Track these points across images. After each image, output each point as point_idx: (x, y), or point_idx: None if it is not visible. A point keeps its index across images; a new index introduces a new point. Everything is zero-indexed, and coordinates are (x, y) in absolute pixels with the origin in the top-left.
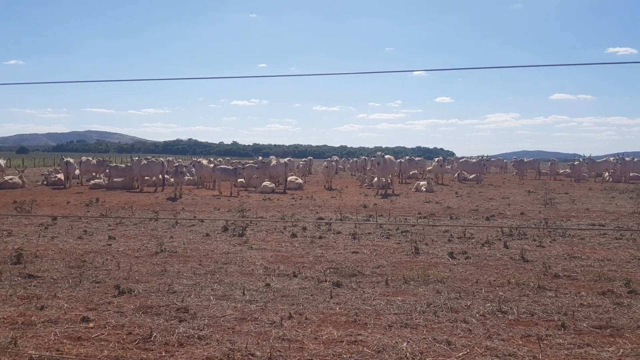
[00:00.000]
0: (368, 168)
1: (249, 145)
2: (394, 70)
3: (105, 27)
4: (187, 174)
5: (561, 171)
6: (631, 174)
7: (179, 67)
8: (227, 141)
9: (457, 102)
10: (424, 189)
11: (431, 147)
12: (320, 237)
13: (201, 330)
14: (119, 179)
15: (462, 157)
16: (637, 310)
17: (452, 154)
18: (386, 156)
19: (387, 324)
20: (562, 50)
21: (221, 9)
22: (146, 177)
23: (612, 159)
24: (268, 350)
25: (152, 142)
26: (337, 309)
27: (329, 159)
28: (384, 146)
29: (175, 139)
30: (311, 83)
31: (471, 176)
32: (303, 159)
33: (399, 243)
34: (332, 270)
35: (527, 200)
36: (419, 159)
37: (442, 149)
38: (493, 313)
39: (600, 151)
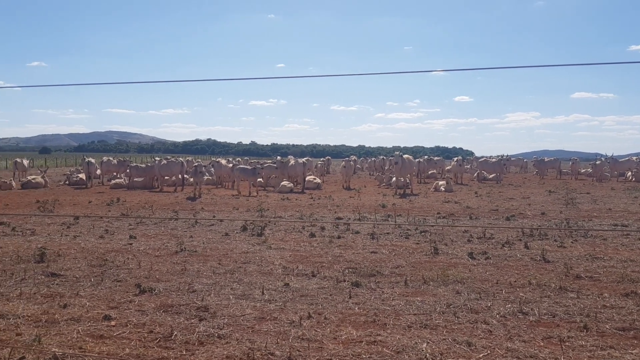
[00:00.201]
0: (386, 168)
1: (267, 145)
2: (412, 70)
3: (125, 28)
4: (207, 174)
5: (582, 171)
6: None
7: (197, 68)
8: (246, 141)
9: (477, 101)
10: (443, 189)
11: (450, 146)
12: (339, 237)
13: (221, 329)
14: (140, 179)
15: (482, 157)
16: None
17: (472, 153)
18: (404, 156)
19: (406, 324)
20: (584, 48)
21: (240, 9)
22: (166, 177)
23: (635, 158)
24: (287, 350)
25: (172, 142)
26: (356, 309)
27: (347, 158)
28: (402, 146)
29: (194, 139)
30: (329, 83)
31: (491, 176)
32: (321, 159)
33: (418, 243)
34: (350, 270)
35: (548, 200)
36: (438, 158)
37: (461, 149)
38: (514, 314)
39: (623, 150)
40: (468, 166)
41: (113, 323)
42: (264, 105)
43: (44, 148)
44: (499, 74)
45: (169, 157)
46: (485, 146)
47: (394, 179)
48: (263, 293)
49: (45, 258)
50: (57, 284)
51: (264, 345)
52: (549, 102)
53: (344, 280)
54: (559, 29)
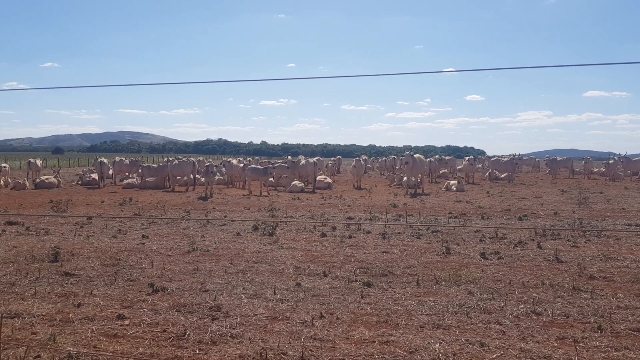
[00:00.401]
0: (397, 167)
1: (277, 144)
2: (422, 71)
3: (135, 29)
4: (218, 174)
5: (595, 170)
6: None
7: (208, 68)
8: (257, 141)
9: (488, 100)
10: (455, 189)
11: (461, 145)
12: (350, 237)
13: (234, 328)
14: (152, 179)
15: (494, 156)
16: None
17: (483, 152)
18: (415, 155)
19: (418, 324)
20: (596, 47)
21: (250, 9)
22: (177, 177)
23: None
24: (300, 350)
25: (183, 142)
26: (368, 309)
27: (358, 158)
28: (413, 145)
29: (205, 139)
30: (339, 82)
31: (503, 175)
32: (332, 159)
33: (429, 243)
34: (362, 270)
35: (561, 200)
36: (449, 158)
37: (472, 148)
38: (527, 314)
39: (636, 149)
40: (479, 165)
41: (127, 322)
42: (275, 105)
43: (56, 148)
44: (510, 73)
45: (180, 157)
46: (497, 145)
47: (405, 178)
48: (275, 293)
49: (59, 258)
50: (71, 284)
51: (277, 345)
52: (561, 100)
53: (356, 280)
54: (570, 27)
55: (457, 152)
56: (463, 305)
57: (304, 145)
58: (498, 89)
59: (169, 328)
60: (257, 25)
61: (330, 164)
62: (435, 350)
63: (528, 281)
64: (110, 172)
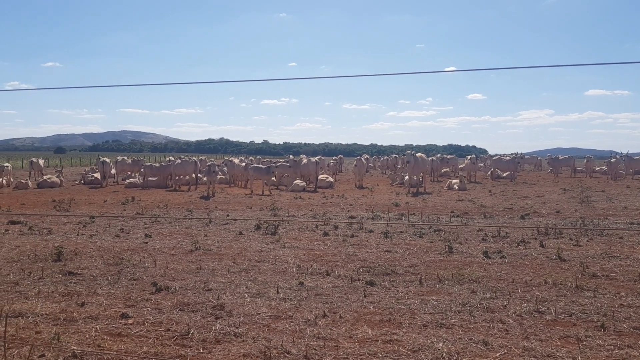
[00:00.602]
0: (399, 166)
1: (279, 144)
2: (424, 71)
3: (137, 29)
4: (220, 173)
5: (597, 168)
6: None
7: (210, 67)
8: (258, 140)
9: (490, 99)
10: (457, 187)
11: (463, 144)
12: (352, 236)
13: (237, 327)
14: (154, 178)
15: (495, 155)
16: None
17: (485, 151)
18: (417, 154)
19: (422, 323)
20: (598, 46)
21: (251, 9)
22: (180, 176)
23: None
24: (304, 349)
25: (185, 142)
26: (371, 308)
27: (360, 157)
28: (414, 144)
29: (207, 138)
30: (341, 82)
31: (505, 174)
32: (333, 158)
33: (432, 242)
34: (365, 269)
35: (563, 199)
36: (451, 156)
37: (474, 147)
38: (530, 313)
39: (638, 148)
40: (482, 164)
41: (130, 321)
42: (276, 104)
43: (59, 148)
44: (512, 72)
45: (182, 157)
46: (499, 144)
47: (407, 177)
48: (278, 292)
49: (62, 257)
50: (74, 283)
51: (280, 343)
52: (562, 99)
53: (359, 279)
54: (571, 26)
55: (459, 151)
56: (466, 304)
57: (305, 144)
58: (500, 87)
59: (172, 327)
60: (258, 25)
61: (331, 163)
62: (439, 349)
63: (531, 280)
64: (113, 171)
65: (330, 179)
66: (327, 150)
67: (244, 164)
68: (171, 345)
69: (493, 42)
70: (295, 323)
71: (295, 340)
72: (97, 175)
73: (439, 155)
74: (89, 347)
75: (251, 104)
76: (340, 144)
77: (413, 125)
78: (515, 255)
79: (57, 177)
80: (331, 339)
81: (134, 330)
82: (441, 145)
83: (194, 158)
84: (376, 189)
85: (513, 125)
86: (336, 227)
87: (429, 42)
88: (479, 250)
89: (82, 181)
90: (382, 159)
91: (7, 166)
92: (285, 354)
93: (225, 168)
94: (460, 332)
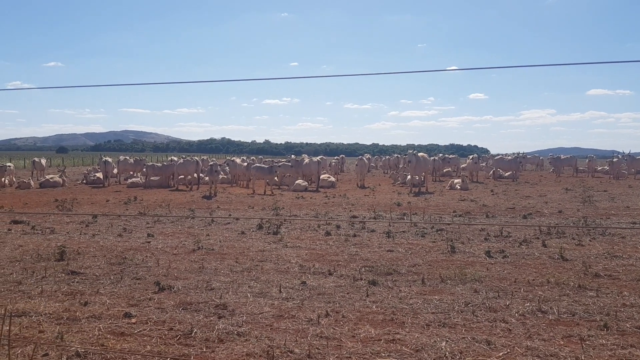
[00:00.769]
0: (401, 166)
1: (281, 143)
2: (425, 70)
3: (138, 28)
4: (222, 173)
5: (599, 168)
6: None
7: (211, 67)
8: (260, 140)
9: (491, 99)
10: (459, 187)
11: (465, 144)
12: (355, 236)
13: (240, 326)
14: (156, 178)
15: (497, 155)
16: None
17: (487, 151)
18: (419, 154)
19: (424, 322)
20: (599, 45)
21: (253, 8)
22: (181, 176)
23: None
24: (306, 348)
25: (187, 142)
26: (374, 307)
27: (361, 157)
28: (416, 144)
29: (208, 137)
30: (342, 81)
31: (507, 174)
32: (335, 157)
33: (434, 241)
34: (367, 268)
35: (565, 198)
36: (453, 156)
37: (476, 146)
38: (533, 313)
39: None
40: (483, 164)
41: (133, 320)
42: (278, 104)
43: (61, 147)
44: (513, 71)
45: (184, 157)
46: (501, 144)
47: (409, 177)
48: (280, 291)
49: (65, 256)
50: (77, 282)
51: (283, 342)
52: (564, 99)
53: (361, 279)
54: (573, 25)
55: (461, 151)
56: (469, 303)
57: (307, 144)
58: (501, 87)
59: (175, 326)
60: (260, 24)
61: (333, 163)
62: (442, 349)
63: (533, 279)
64: (115, 171)
65: (332, 179)
66: (329, 150)
67: (245, 164)
68: (174, 345)
69: (494, 42)
70: (298, 322)
71: (298, 339)
72: (100, 175)
73: (440, 154)
74: (92, 346)
75: (253, 104)
76: (342, 143)
77: (415, 125)
78: (517, 255)
79: (59, 176)
80: (334, 338)
81: (137, 330)
82: (443, 144)
83: (195, 158)
84: (378, 189)
85: (515, 125)
86: (338, 227)
87: (431, 42)
88: (482, 250)
89: (84, 181)
90: (383, 158)
91: (9, 166)
92: (288, 353)
93: (227, 168)
94: (463, 331)
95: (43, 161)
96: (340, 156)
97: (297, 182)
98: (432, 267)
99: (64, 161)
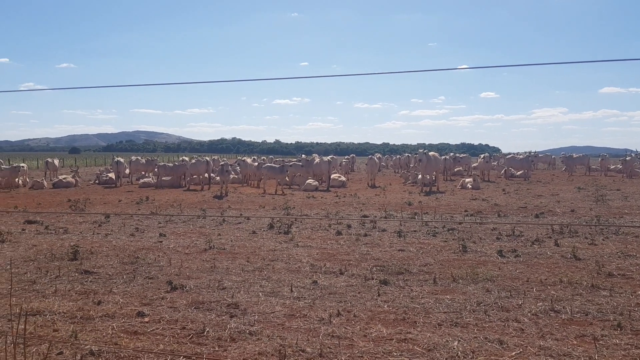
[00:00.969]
0: (412, 165)
1: (291, 143)
2: (436, 69)
3: (150, 29)
4: (233, 173)
5: (612, 167)
6: None
7: (222, 67)
8: (270, 140)
9: (503, 97)
10: (470, 186)
11: (476, 143)
12: (366, 235)
13: (252, 325)
14: (167, 178)
15: (509, 153)
16: None
17: (498, 150)
18: (430, 153)
19: (436, 322)
20: (612, 43)
21: (263, 8)
22: (194, 176)
23: None
24: (318, 347)
25: (198, 142)
26: (385, 306)
27: (372, 156)
28: (427, 143)
29: (219, 138)
30: (352, 81)
31: (518, 173)
32: (345, 157)
33: (445, 241)
34: (378, 268)
35: (578, 197)
36: (464, 155)
37: (487, 145)
38: (545, 312)
39: None
40: (495, 163)
41: (146, 319)
42: (288, 103)
43: (73, 148)
44: (525, 70)
45: (195, 157)
46: (512, 143)
47: (420, 176)
48: (292, 290)
49: (79, 256)
50: (90, 281)
51: (295, 342)
52: (576, 97)
53: (372, 278)
54: (585, 23)
55: (472, 150)
56: (481, 303)
57: (317, 143)
58: (512, 85)
59: (188, 325)
60: (270, 24)
61: (344, 162)
62: (454, 348)
63: (546, 279)
64: (127, 171)
65: (343, 178)
66: (339, 149)
67: (256, 164)
68: (187, 343)
69: (505, 41)
70: (310, 322)
71: (309, 338)
72: (112, 175)
73: (451, 154)
74: (106, 344)
75: (263, 104)
76: (353, 143)
77: (425, 124)
78: (530, 254)
79: (72, 177)
80: (346, 337)
81: (150, 329)
82: (454, 143)
83: (206, 158)
84: (389, 188)
85: (526, 124)
86: (349, 226)
87: (441, 41)
88: (493, 249)
89: (96, 181)
90: (394, 158)
91: (22, 166)
92: (300, 353)
93: (238, 167)
94: (476, 331)
95: (56, 162)
96: (351, 156)
97: (307, 181)
98: (443, 266)
99: (76, 161)
